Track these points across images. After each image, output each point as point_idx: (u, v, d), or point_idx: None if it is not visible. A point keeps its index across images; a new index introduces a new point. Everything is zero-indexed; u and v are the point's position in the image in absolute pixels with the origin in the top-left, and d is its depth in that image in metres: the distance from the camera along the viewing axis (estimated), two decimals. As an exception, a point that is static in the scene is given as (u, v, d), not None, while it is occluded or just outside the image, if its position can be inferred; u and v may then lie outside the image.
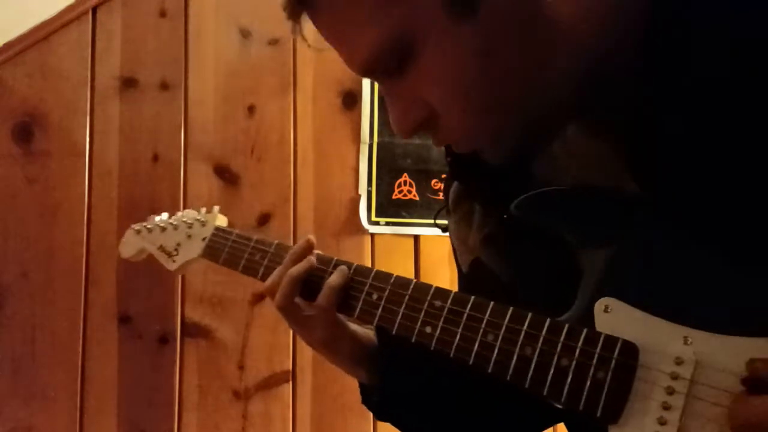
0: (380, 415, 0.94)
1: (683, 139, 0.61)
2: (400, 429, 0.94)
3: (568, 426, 0.80)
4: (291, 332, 1.86)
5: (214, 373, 1.82)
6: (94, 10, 1.83)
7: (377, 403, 0.91)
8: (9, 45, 1.77)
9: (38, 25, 1.79)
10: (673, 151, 0.62)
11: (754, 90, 0.57)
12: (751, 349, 0.56)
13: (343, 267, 0.85)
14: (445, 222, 0.90)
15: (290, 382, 1.86)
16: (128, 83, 1.84)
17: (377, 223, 1.93)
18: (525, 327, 0.66)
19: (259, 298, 1.85)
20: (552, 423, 0.88)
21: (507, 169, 0.71)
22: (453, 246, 0.88)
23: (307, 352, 1.86)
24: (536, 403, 0.78)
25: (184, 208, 1.79)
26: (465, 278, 0.86)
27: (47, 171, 1.79)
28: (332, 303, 0.83)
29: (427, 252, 1.96)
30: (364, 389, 0.93)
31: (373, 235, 1.94)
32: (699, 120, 0.60)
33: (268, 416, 1.84)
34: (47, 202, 1.78)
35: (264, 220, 1.87)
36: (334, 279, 0.84)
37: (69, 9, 1.80)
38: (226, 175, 1.87)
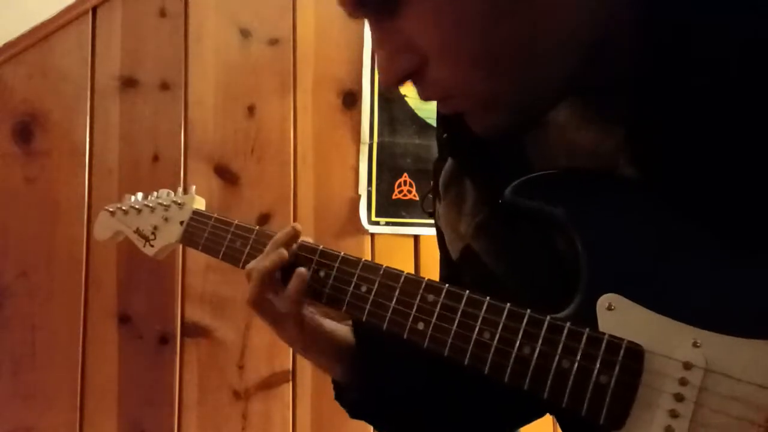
0: (355, 414, 0.89)
1: (686, 125, 0.58)
2: (375, 427, 0.91)
3: (563, 427, 0.78)
4: (291, 332, 1.86)
5: (214, 373, 1.82)
6: (94, 10, 1.82)
7: (353, 401, 0.87)
8: (9, 45, 1.77)
9: (38, 25, 1.79)
10: (675, 138, 0.59)
11: (752, 79, 0.56)
12: (765, 352, 0.53)
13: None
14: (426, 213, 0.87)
15: (290, 382, 1.86)
16: (128, 83, 1.84)
17: (377, 223, 1.93)
18: (523, 325, 0.62)
19: (259, 298, 1.85)
20: (535, 418, 0.85)
21: (498, 147, 0.67)
22: (440, 231, 0.84)
23: (307, 352, 1.86)
24: (516, 402, 0.76)
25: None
26: (453, 267, 0.81)
27: (47, 171, 1.78)
28: (301, 291, 0.79)
29: (427, 252, 1.96)
30: (338, 386, 0.89)
31: (373, 235, 1.94)
32: (701, 105, 0.57)
33: (268, 416, 1.84)
34: (47, 202, 1.78)
35: (264, 220, 1.87)
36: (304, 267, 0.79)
37: (69, 9, 1.80)
38: (226, 175, 1.87)
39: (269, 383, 1.85)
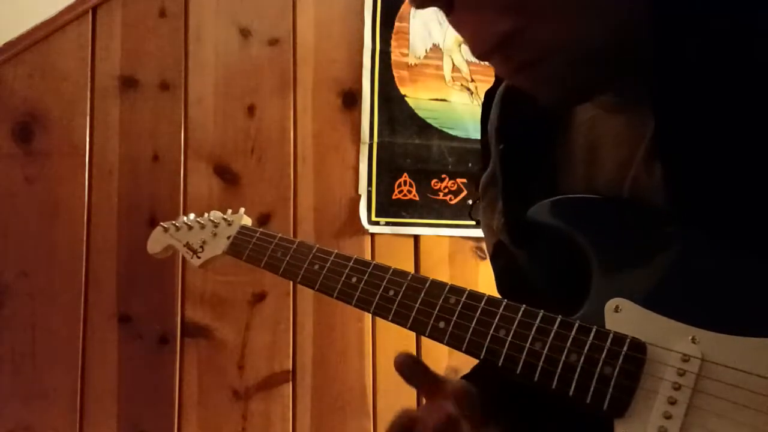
0: None
1: (709, 106, 0.61)
2: None
3: None
4: (291, 332, 1.87)
5: (214, 373, 1.83)
6: (94, 10, 1.82)
7: None
8: (9, 45, 1.77)
9: (38, 25, 1.79)
10: (700, 118, 0.62)
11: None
12: (757, 348, 0.57)
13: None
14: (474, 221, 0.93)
15: (290, 382, 1.86)
16: (128, 83, 1.84)
17: (377, 223, 1.94)
18: (536, 323, 0.68)
19: (259, 298, 1.85)
20: None
21: (533, 153, 0.75)
22: (485, 234, 0.90)
23: (307, 352, 1.87)
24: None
25: (184, 207, 1.80)
26: (491, 260, 0.87)
27: (47, 171, 1.78)
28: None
29: (427, 252, 1.96)
30: None
31: (373, 235, 1.94)
32: (724, 81, 0.60)
33: (268, 416, 1.84)
34: (47, 202, 1.78)
35: (264, 220, 1.87)
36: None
37: (69, 9, 1.80)
38: (226, 175, 1.87)
39: (269, 383, 1.85)
